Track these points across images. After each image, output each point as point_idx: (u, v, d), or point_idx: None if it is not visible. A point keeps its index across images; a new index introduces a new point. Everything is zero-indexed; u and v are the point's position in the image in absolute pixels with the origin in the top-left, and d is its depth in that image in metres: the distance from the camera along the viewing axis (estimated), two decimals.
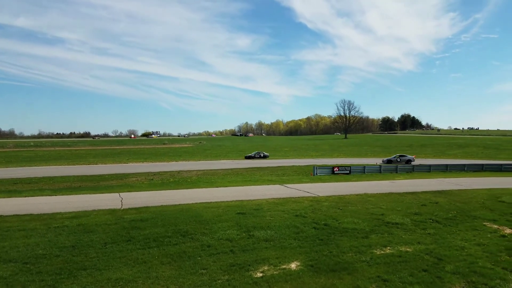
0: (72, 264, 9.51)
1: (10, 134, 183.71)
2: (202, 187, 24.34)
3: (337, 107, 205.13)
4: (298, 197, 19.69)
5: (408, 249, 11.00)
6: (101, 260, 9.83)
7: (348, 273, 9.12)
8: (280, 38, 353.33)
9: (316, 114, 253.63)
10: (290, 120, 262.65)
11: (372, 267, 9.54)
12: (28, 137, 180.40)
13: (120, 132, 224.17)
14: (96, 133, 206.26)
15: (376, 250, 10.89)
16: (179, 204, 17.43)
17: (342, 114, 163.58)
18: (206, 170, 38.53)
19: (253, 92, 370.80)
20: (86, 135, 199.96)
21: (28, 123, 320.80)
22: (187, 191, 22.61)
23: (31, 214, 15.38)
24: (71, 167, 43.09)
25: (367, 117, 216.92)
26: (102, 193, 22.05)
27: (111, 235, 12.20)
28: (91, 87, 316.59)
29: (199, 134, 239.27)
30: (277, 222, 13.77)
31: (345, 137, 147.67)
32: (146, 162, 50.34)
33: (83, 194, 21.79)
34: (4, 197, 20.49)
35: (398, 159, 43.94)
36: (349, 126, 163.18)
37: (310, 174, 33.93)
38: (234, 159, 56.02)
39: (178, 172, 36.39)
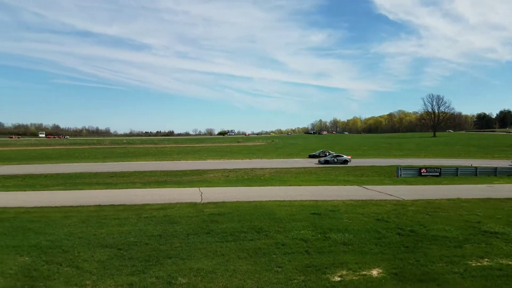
0: (159, 252, 10.40)
1: (106, 132, 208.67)
2: (275, 185, 24.59)
3: (424, 103, 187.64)
4: (380, 200, 18.67)
5: (510, 262, 9.66)
6: (184, 250, 10.58)
7: (438, 284, 8.36)
8: (357, 32, 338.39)
9: (399, 110, 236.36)
10: (369, 117, 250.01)
11: (467, 280, 8.59)
12: (121, 135, 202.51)
13: (199, 131, 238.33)
14: (178, 132, 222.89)
15: (471, 261, 9.79)
16: (253, 201, 17.86)
17: (430, 110, 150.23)
18: (279, 168, 38.82)
19: (327, 89, 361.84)
20: (170, 133, 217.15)
21: (121, 122, 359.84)
22: (260, 188, 23.06)
23: (124, 205, 17.26)
24: (157, 163, 47.16)
25: (459, 114, 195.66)
26: (185, 187, 23.73)
27: (192, 226, 13.06)
28: (173, 89, 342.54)
29: (271, 132, 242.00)
30: (356, 226, 13.24)
31: (434, 135, 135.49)
32: (222, 159, 52.67)
33: (168, 187, 23.73)
34: (102, 189, 23.34)
35: (335, 159, 44.35)
36: (438, 124, 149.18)
37: (393, 175, 31.91)
38: (308, 158, 55.45)
39: (252, 169, 37.31)
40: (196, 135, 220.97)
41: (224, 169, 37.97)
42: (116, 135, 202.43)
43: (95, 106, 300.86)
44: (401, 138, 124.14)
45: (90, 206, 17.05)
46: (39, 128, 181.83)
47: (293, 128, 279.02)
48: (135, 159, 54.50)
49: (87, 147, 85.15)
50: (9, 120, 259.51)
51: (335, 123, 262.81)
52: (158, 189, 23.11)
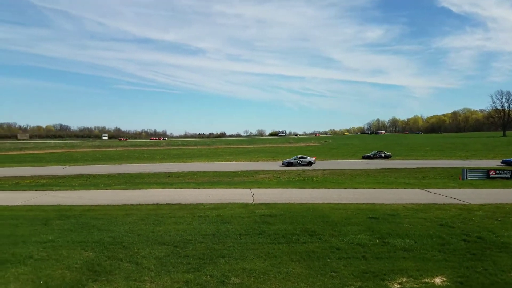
0: (213, 251, 10.68)
1: (163, 134, 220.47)
2: (328, 187, 24.06)
3: (492, 100, 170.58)
4: (443, 204, 17.42)
5: None
6: (237, 250, 10.75)
7: None
8: (417, 26, 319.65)
9: (464, 108, 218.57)
10: (432, 115, 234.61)
11: None
12: (176, 137, 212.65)
13: (250, 132, 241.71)
14: (230, 133, 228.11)
15: None
16: (306, 203, 17.63)
17: (499, 107, 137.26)
18: (333, 169, 37.93)
19: (384, 86, 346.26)
20: (222, 135, 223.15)
21: (176, 124, 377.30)
22: (313, 190, 22.70)
23: (179, 204, 18.03)
24: (210, 164, 48.68)
25: None
26: (236, 188, 24.17)
27: (244, 227, 13.24)
28: (225, 91, 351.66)
29: (324, 132, 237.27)
30: (417, 231, 12.48)
31: (504, 135, 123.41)
32: (273, 160, 52.80)
33: (220, 188, 24.34)
34: (159, 188, 24.61)
35: (299, 161, 43.57)
36: (509, 122, 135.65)
37: (458, 178, 29.61)
38: (362, 159, 53.51)
39: (304, 171, 36.91)
40: (247, 136, 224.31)
41: (275, 170, 38.04)
42: (172, 137, 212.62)
43: (153, 110, 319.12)
44: (467, 138, 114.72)
45: (148, 204, 18.08)
46: (102, 131, 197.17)
47: (348, 128, 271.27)
48: (189, 160, 56.74)
49: (146, 148, 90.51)
50: (75, 124, 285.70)
51: (394, 122, 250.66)
52: (211, 189, 23.80)
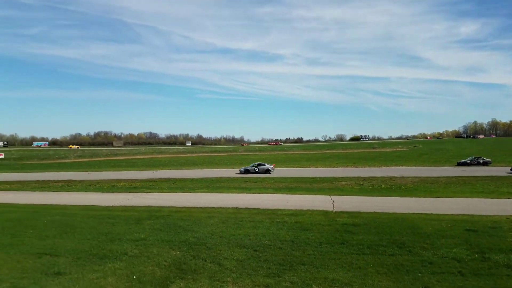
0: (292, 257, 10.74)
1: (241, 141, 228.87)
2: (419, 196, 22.36)
3: None
4: None
5: None
6: (317, 258, 10.65)
7: None
8: None
9: None
10: None
11: None
12: (253, 142, 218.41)
13: (329, 137, 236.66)
14: (307, 138, 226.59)
15: None
16: (393, 213, 16.68)
17: None
18: (424, 177, 35.08)
19: (482, 85, 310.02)
20: (299, 140, 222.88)
21: (254, 131, 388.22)
22: (401, 199, 21.34)
23: (258, 209, 18.52)
24: (287, 169, 48.90)
25: None
26: (315, 194, 23.91)
27: (325, 235, 13.04)
28: (302, 95, 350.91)
29: (413, 136, 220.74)
30: None
31: None
32: (355, 166, 50.87)
33: (298, 194, 24.34)
34: (238, 192, 25.56)
35: (256, 169, 43.01)
36: None
37: None
38: (460, 166, 48.49)
39: (391, 178, 34.82)
40: (325, 141, 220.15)
41: (357, 176, 36.62)
42: (250, 142, 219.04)
43: (231, 117, 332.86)
44: None
45: (229, 208, 18.94)
46: (186, 138, 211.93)
47: (441, 132, 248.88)
48: None
49: (225, 154, 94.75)
50: (163, 131, 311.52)
51: (494, 124, 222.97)
52: (289, 195, 23.93)
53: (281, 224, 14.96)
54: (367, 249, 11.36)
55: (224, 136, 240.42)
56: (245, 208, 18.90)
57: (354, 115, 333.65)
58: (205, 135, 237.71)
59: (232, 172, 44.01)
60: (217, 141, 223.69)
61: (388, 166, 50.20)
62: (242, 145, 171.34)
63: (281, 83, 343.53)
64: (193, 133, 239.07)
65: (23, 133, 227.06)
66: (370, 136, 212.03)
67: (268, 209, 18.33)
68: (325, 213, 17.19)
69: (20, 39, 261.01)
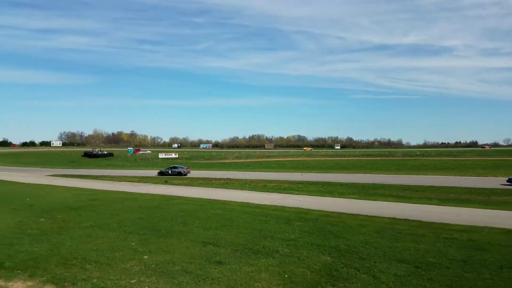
0: (463, 280, 9.47)
1: (398, 144, 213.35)
2: None
3: None
4: None
5: None
6: (497, 284, 9.13)
7: None
8: None
9: None
10: None
11: None
12: (413, 146, 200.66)
13: None
14: (485, 142, 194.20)
15: None
16: None
17: None
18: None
19: None
20: (473, 144, 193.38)
21: (414, 133, 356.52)
22: None
23: (419, 221, 17.03)
24: (457, 178, 43.17)
25: None
26: (494, 209, 20.43)
27: (507, 258, 11.04)
28: (477, 92, 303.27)
29: None
30: None
31: None
32: None
33: (471, 207, 21.26)
34: (395, 201, 24.02)
35: (169, 171, 48.62)
36: None
37: None
38: None
39: None
40: (508, 146, 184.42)
41: None
42: (409, 146, 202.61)
43: (387, 118, 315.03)
44: None
45: (384, 217, 18.05)
46: (335, 141, 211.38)
47: None
48: (430, 172, 52.31)
49: (379, 158, 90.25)
50: (311, 134, 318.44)
51: None
52: (459, 208, 21.10)
53: (449, 240, 13.35)
54: None
55: (378, 139, 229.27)
56: (404, 219, 17.64)
57: None
58: (356, 137, 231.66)
59: (388, 178, 41.64)
60: (369, 144, 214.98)
61: None
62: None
63: (450, 79, 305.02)
64: (342, 135, 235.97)
65: (193, 136, 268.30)
66: None
67: (432, 222, 16.64)
68: (508, 232, 14.50)
69: (191, 54, 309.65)
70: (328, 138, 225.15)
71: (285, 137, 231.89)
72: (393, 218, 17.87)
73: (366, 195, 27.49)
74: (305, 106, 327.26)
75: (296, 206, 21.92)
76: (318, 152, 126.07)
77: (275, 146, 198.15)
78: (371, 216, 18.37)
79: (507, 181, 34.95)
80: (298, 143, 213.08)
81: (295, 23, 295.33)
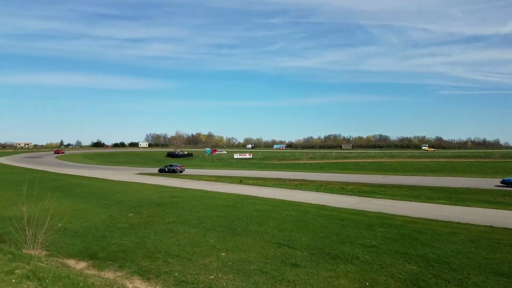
0: None
1: (495, 144, 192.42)
2: None
3: None
4: None
5: None
6: None
7: None
8: None
9: None
10: None
11: None
12: None
13: None
14: None
15: None
16: None
17: None
18: None
19: None
20: None
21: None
22: None
23: None
24: None
25: None
26: None
27: None
28: None
29: None
30: None
31: None
32: None
33: None
34: (491, 208, 21.71)
35: (166, 169, 55.53)
36: None
37: None
38: None
39: None
40: None
41: None
42: (507, 147, 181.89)
43: (481, 116, 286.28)
44: None
45: (479, 225, 16.48)
46: (422, 140, 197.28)
47: None
48: None
49: (473, 160, 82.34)
50: (394, 134, 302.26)
51: None
52: None
53: None
54: None
55: (472, 138, 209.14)
56: (503, 227, 15.88)
57: None
58: (446, 137, 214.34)
59: (484, 182, 37.78)
60: (461, 145, 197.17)
61: None
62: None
63: None
64: (430, 135, 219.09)
65: (266, 137, 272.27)
66: None
67: None
68: None
69: (266, 55, 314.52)
70: (414, 137, 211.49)
71: (365, 136, 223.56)
72: (490, 226, 16.20)
73: (457, 200, 25.22)
74: (386, 103, 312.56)
75: (378, 210, 20.94)
76: (402, 153, 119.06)
77: (353, 147, 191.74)
78: (464, 224, 16.83)
79: None
80: (379, 143, 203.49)
81: (375, 17, 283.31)
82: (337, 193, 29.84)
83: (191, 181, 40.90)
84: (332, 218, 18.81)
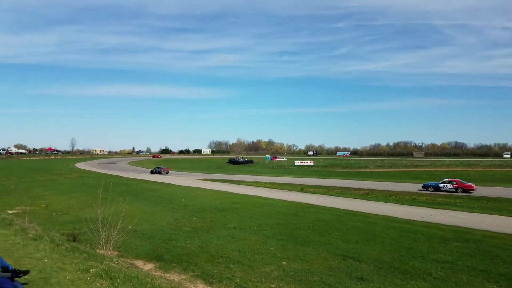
0: None
1: None
2: None
3: None
4: None
5: None
6: None
7: None
8: None
9: None
10: None
11: None
12: None
13: None
14: None
15: None
16: None
17: None
18: None
19: None
20: None
21: None
22: None
23: None
24: None
25: None
26: None
27: None
28: None
29: None
30: None
31: None
32: None
33: None
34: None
35: (154, 170, 68.45)
36: None
37: None
38: None
39: None
40: None
41: None
42: None
43: None
44: None
45: None
46: (503, 148, 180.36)
47: None
48: None
49: None
50: (472, 141, 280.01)
51: None
52: None
53: None
54: None
55: None
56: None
57: None
58: None
59: None
60: None
61: None
62: None
63: None
64: None
65: (329, 144, 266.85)
66: None
67: None
68: None
69: (329, 60, 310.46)
70: (495, 145, 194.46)
71: (439, 144, 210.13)
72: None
73: None
74: (463, 107, 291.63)
75: (453, 223, 19.51)
76: (481, 162, 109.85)
77: (426, 154, 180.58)
78: None
79: None
80: (455, 150, 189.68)
81: (449, 17, 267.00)
82: (408, 204, 28.35)
83: (252, 188, 41.42)
84: (402, 230, 17.88)
